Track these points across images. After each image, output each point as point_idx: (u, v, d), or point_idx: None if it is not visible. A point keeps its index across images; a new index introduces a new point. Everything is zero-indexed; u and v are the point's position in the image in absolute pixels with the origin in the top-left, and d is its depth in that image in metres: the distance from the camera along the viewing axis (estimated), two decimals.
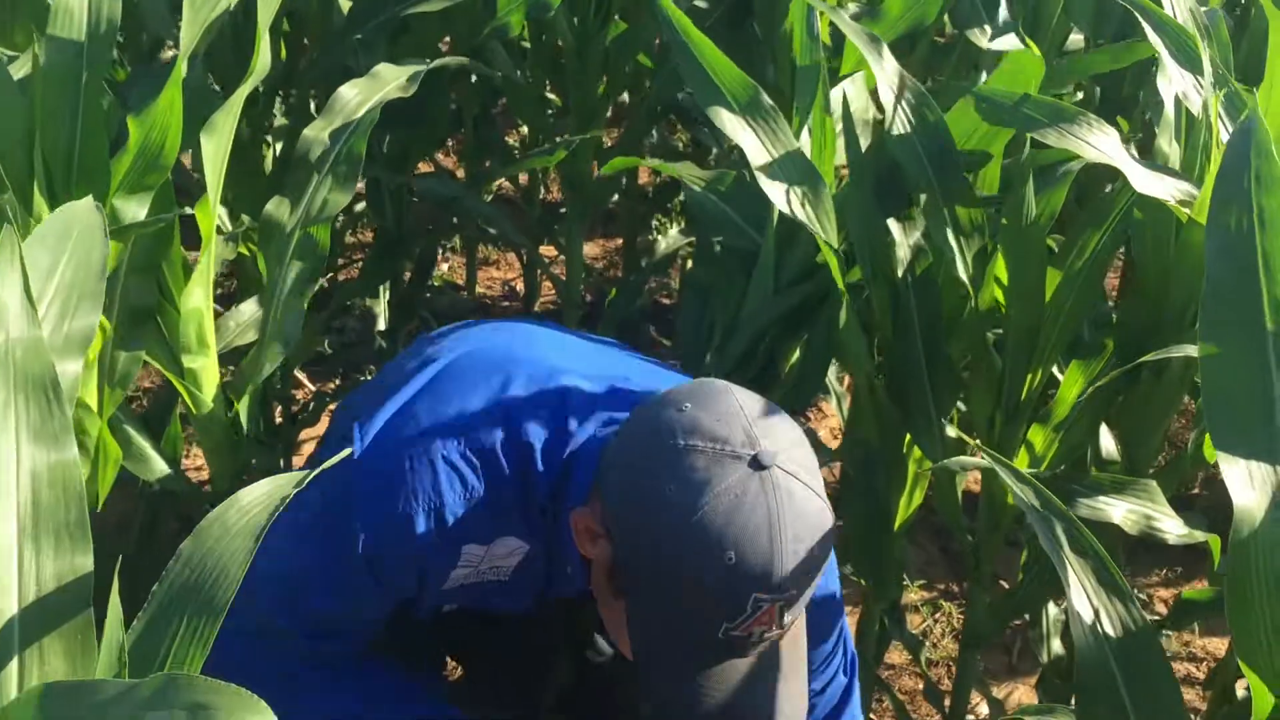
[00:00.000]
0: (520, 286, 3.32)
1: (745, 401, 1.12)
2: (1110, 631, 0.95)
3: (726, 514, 1.04)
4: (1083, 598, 0.96)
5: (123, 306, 1.40)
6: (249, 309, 1.65)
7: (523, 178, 3.18)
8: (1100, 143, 1.42)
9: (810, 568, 1.08)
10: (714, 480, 1.05)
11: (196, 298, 1.43)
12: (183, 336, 1.43)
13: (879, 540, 1.66)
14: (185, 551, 0.75)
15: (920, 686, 2.13)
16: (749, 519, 1.05)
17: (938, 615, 2.29)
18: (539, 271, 3.05)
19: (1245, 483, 0.85)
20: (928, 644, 2.20)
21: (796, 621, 1.13)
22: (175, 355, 1.45)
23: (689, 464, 1.07)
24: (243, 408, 1.52)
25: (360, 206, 2.51)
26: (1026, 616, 1.92)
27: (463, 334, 1.41)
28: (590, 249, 3.59)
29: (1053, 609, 1.86)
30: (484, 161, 2.62)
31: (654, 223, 3.30)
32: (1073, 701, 1.38)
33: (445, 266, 3.44)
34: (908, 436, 1.65)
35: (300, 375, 2.53)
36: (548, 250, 3.22)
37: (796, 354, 1.75)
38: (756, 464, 1.06)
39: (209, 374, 1.48)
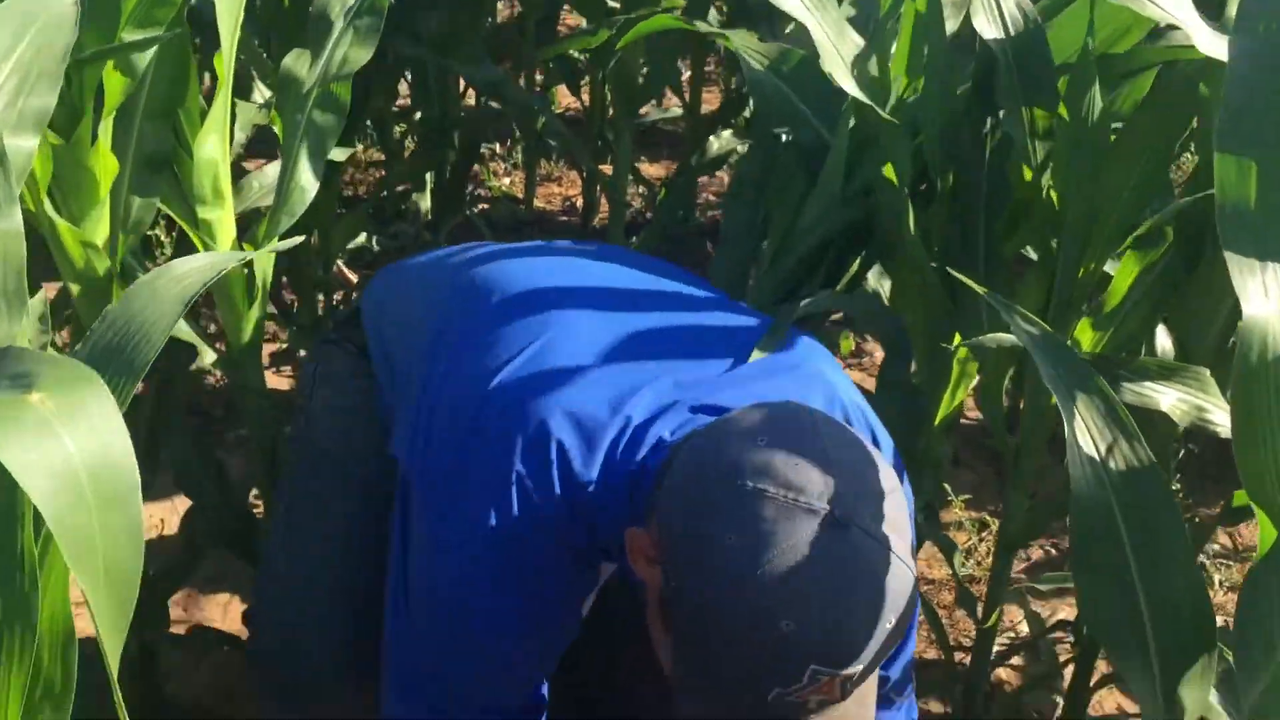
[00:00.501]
0: (579, 202, 3.27)
1: (832, 439, 0.97)
2: (1113, 467, 0.86)
3: (789, 577, 0.90)
4: (1085, 434, 0.87)
5: (138, 151, 1.38)
6: (272, 171, 1.62)
7: (585, 96, 3.12)
8: (1166, 2, 1.32)
9: (884, 643, 0.93)
10: (780, 535, 0.91)
11: (211, 147, 1.40)
12: (198, 186, 1.41)
13: (917, 435, 1.58)
14: (111, 314, 0.72)
15: (955, 599, 2.05)
16: (815, 586, 0.90)
17: (983, 534, 2.21)
18: (598, 187, 3.00)
19: (1260, 294, 0.75)
20: (971, 561, 2.12)
21: (865, 684, 0.97)
22: (190, 205, 1.43)
23: (755, 511, 0.92)
24: (259, 267, 1.49)
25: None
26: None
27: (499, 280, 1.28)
28: (655, 170, 3.53)
29: None
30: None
31: None
32: None
33: (507, 181, 3.41)
34: (956, 336, 1.57)
35: (345, 269, 2.52)
36: (610, 170, 3.17)
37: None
38: (833, 521, 0.91)
39: (224, 227, 1.45)
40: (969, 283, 1.26)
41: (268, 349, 2.23)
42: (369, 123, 3.03)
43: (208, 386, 2.53)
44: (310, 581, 1.38)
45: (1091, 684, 1.77)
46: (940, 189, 1.51)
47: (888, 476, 0.98)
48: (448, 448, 1.14)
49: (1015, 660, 1.96)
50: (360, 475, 1.40)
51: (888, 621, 0.92)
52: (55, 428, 0.54)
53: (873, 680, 0.99)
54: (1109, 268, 1.56)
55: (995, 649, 1.79)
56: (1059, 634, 1.95)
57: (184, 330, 1.48)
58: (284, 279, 2.30)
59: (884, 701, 1.33)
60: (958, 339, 1.55)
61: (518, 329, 1.19)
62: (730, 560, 0.91)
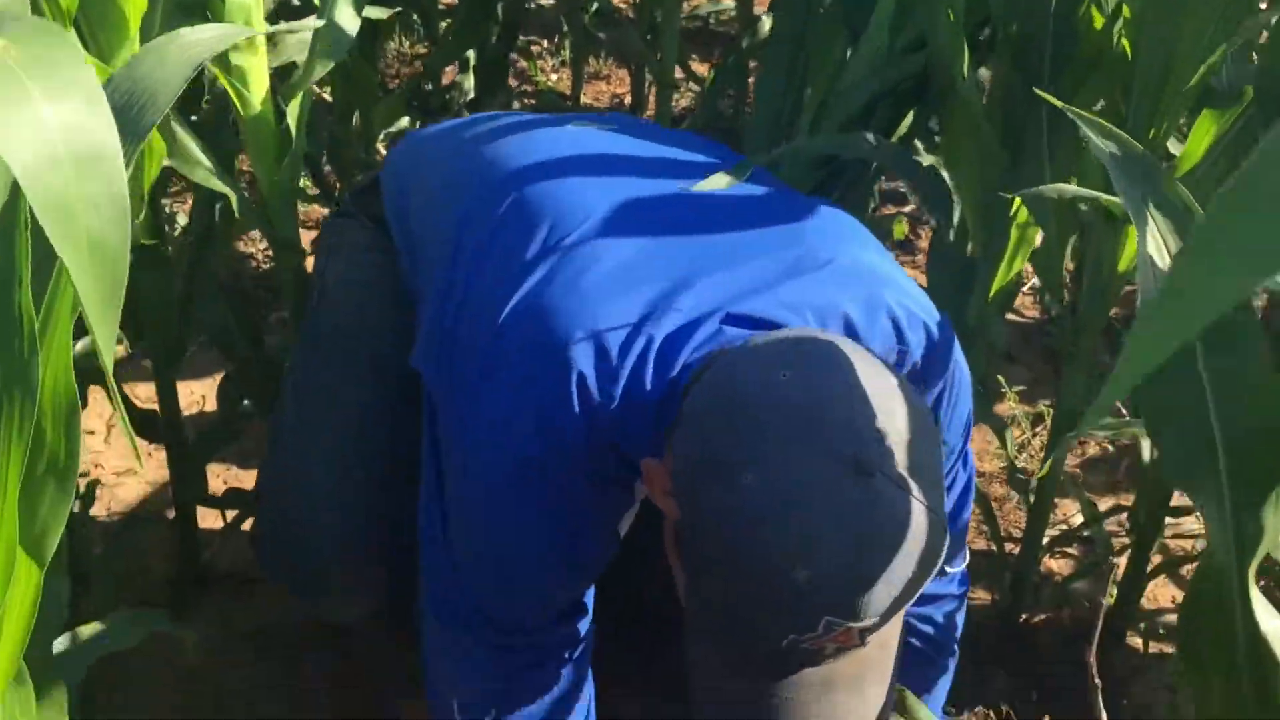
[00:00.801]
0: (627, 100, 3.20)
1: (860, 377, 0.90)
2: None
3: (806, 524, 0.85)
4: (1158, 246, 0.81)
5: None
6: (310, 24, 1.56)
7: None
8: None
9: (905, 594, 0.88)
10: (798, 480, 0.85)
11: None
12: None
13: (969, 307, 1.51)
14: (117, 78, 0.67)
15: (1009, 493, 2.00)
16: (833, 535, 0.84)
17: (1038, 429, 2.14)
18: (646, 84, 2.93)
19: None
20: (1024, 455, 2.06)
21: (888, 629, 0.92)
22: (224, 50, 1.38)
23: (773, 454, 0.86)
24: (293, 116, 1.45)
25: None
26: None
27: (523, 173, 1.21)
28: (705, 69, 3.45)
29: None
30: None
31: None
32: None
33: (554, 78, 3.34)
34: (1016, 201, 1.49)
35: (382, 148, 2.47)
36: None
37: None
38: (856, 467, 0.85)
39: (257, 75, 1.40)
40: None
41: (307, 236, 2.19)
42: (415, 16, 2.98)
43: (252, 270, 2.51)
44: (318, 473, 1.33)
45: (1147, 572, 1.71)
46: (1001, 39, 1.42)
47: (920, 418, 0.91)
48: (468, 377, 1.10)
49: (1066, 551, 1.90)
50: (374, 355, 1.35)
51: (909, 574, 0.87)
52: (23, 79, 0.49)
53: (896, 623, 0.95)
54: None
55: (1046, 539, 1.74)
56: (1112, 527, 1.89)
57: (214, 181, 1.44)
58: (325, 163, 2.27)
59: (937, 571, 1.29)
60: (1018, 202, 1.48)
61: (537, 231, 1.12)
62: (745, 503, 0.86)
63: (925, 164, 1.58)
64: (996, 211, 1.47)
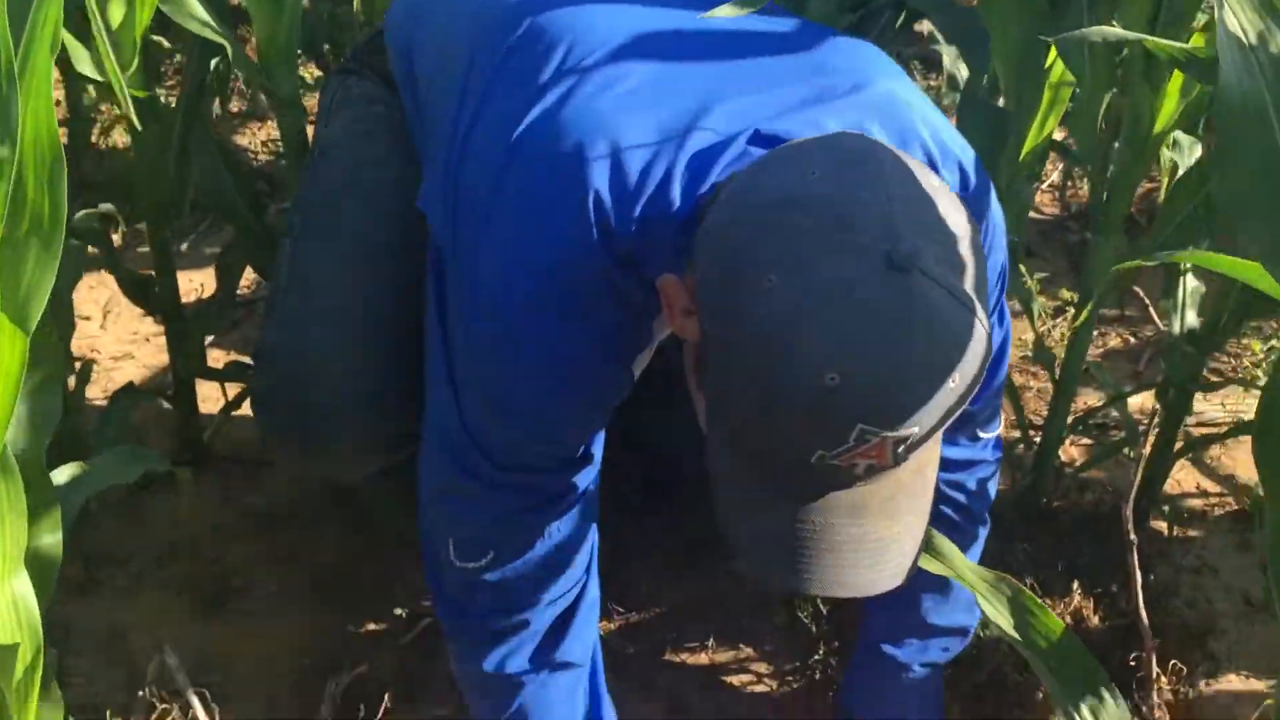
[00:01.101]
0: None
1: (895, 171, 0.84)
2: (1264, 56, 0.73)
3: (836, 323, 0.78)
4: (1234, 19, 0.74)
5: None
6: None
7: None
8: None
9: (944, 405, 0.81)
10: (828, 277, 0.79)
11: None
12: None
13: (996, 162, 1.45)
14: None
15: (1028, 382, 1.95)
16: (865, 334, 0.78)
17: (1058, 320, 2.09)
18: None
19: None
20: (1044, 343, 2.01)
21: (926, 451, 0.86)
22: None
23: (801, 250, 0.80)
24: None
25: None
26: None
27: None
28: None
29: (1190, 280, 1.65)
30: None
31: None
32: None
33: None
34: (1051, 56, 1.42)
35: None
36: None
37: None
38: (891, 263, 0.78)
39: None
40: None
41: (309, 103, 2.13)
42: None
43: (249, 162, 2.45)
44: (320, 312, 1.27)
45: (1173, 451, 1.67)
46: None
47: (963, 221, 0.84)
48: (478, 205, 1.03)
49: (1087, 441, 1.86)
50: (377, 206, 1.30)
51: (950, 381, 0.80)
52: None
53: (934, 450, 0.89)
54: None
55: (1070, 421, 1.69)
56: (1137, 415, 1.84)
57: (209, 31, 1.38)
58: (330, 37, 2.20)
59: (970, 436, 1.25)
60: (1052, 56, 1.41)
61: (553, 54, 1.05)
62: (771, 303, 0.80)
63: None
64: (1030, 64, 1.41)
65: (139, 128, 1.37)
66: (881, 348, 0.78)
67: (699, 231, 0.89)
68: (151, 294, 1.58)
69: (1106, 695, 0.86)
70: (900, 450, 0.82)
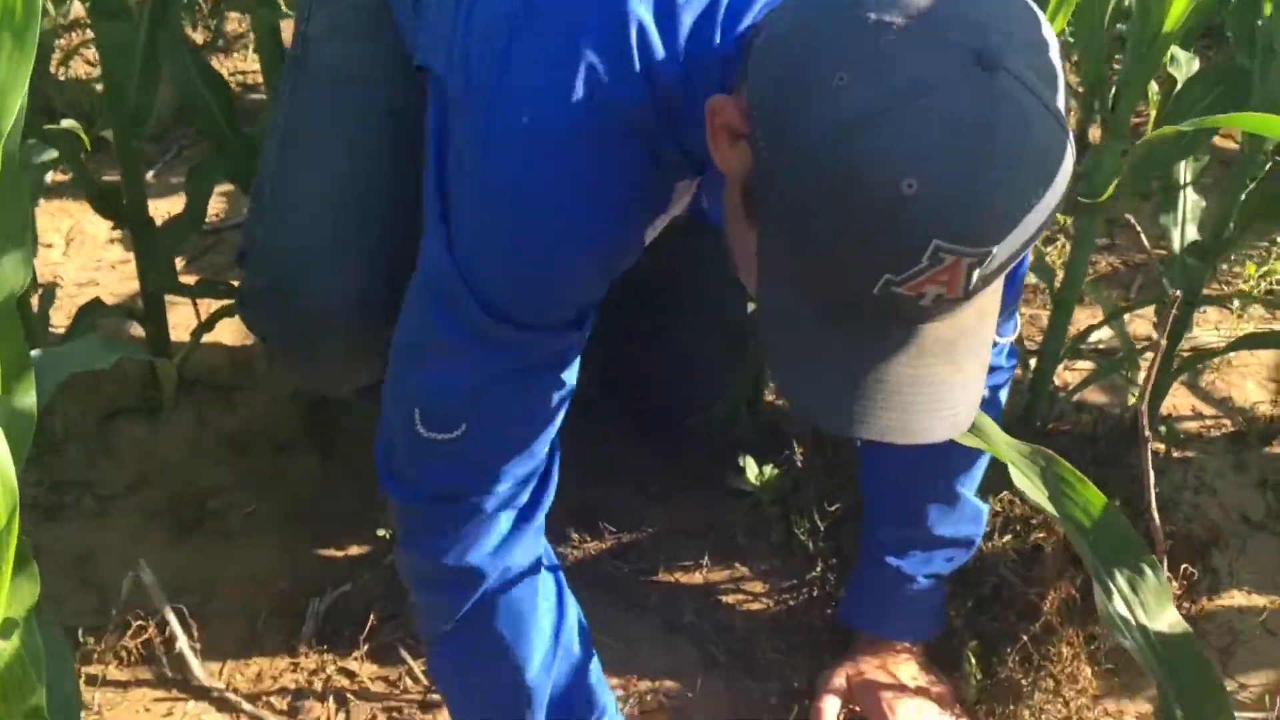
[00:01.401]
0: None
1: None
2: None
3: (918, 124, 0.72)
4: None
5: None
6: None
7: None
8: None
9: (1027, 224, 0.75)
10: (906, 74, 0.73)
11: None
12: None
13: None
14: None
15: (1021, 310, 1.92)
16: (951, 137, 0.72)
17: (1057, 234, 2.05)
18: None
19: None
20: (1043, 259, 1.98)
21: (989, 293, 0.81)
22: None
23: (878, 47, 0.74)
24: None
25: None
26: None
27: None
28: None
29: (1190, 195, 1.62)
30: None
31: None
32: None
33: None
34: None
35: None
36: None
37: None
38: (977, 60, 0.72)
39: None
40: None
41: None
42: None
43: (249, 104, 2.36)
44: (310, 206, 1.20)
45: (1172, 368, 1.65)
46: None
47: (1050, 31, 0.78)
48: (499, 37, 0.95)
49: (1083, 367, 1.83)
50: (368, 91, 1.22)
51: (1035, 196, 0.74)
52: None
53: (996, 291, 0.84)
54: None
55: (1067, 343, 1.66)
56: (1137, 339, 1.82)
57: None
58: None
59: None
60: None
61: None
62: (840, 103, 0.73)
63: None
64: None
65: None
66: (965, 151, 0.72)
67: (754, 47, 0.82)
68: (119, 205, 1.51)
69: (1146, 568, 0.82)
70: (974, 276, 0.76)
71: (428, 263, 1.03)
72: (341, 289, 1.17)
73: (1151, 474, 1.18)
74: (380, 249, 1.17)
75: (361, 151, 1.21)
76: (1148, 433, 1.18)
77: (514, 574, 1.09)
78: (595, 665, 1.17)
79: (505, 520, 1.08)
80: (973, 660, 1.32)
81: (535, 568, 1.11)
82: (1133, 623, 0.81)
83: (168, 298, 1.68)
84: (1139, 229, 2.08)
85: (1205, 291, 1.75)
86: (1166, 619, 0.82)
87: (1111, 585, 0.82)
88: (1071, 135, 0.76)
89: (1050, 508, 0.85)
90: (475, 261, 0.98)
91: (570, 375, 1.05)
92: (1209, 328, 1.92)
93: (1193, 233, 1.60)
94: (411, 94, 1.11)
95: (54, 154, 1.49)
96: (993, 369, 1.21)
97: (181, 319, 1.72)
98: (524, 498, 1.08)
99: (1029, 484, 0.87)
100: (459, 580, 1.08)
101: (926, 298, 0.77)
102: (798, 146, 0.76)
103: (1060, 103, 0.76)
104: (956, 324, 0.81)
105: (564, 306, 1.02)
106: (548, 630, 1.11)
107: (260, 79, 2.12)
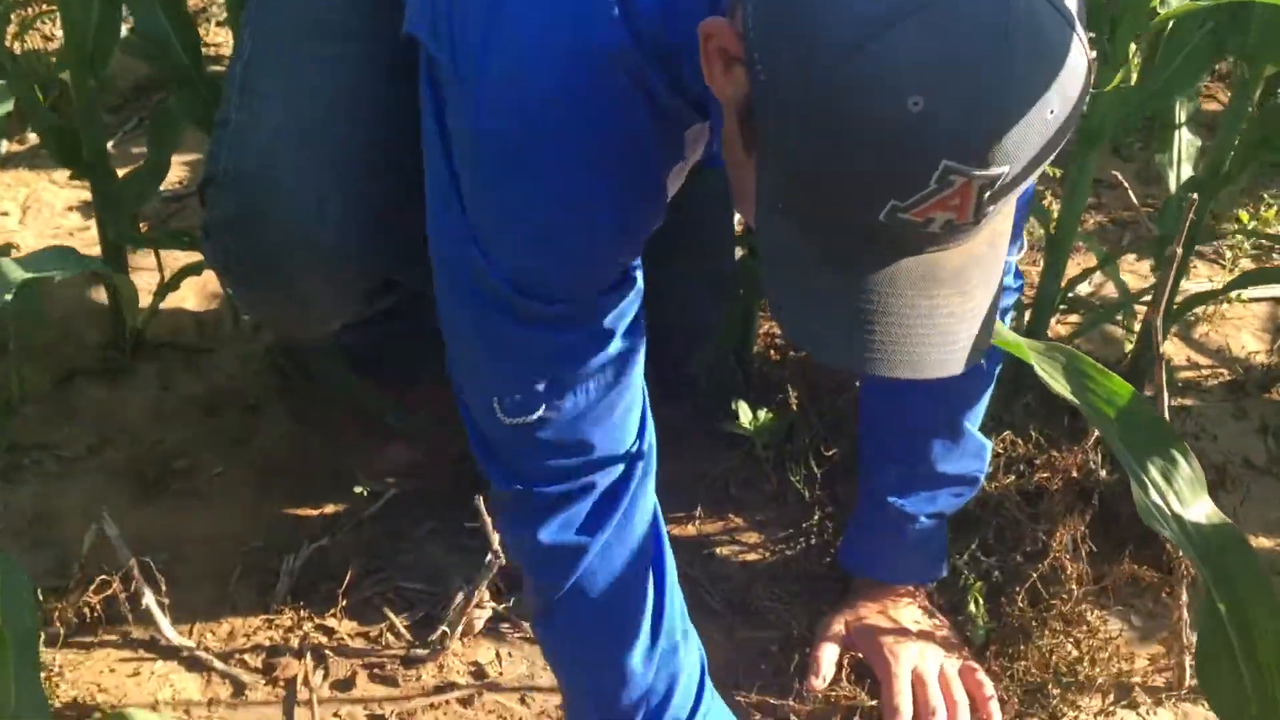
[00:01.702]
0: None
1: None
2: None
3: (925, 35, 0.67)
4: None
5: None
6: None
7: None
8: None
9: (1040, 138, 0.70)
10: None
11: None
12: None
13: None
14: None
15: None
16: (960, 48, 0.67)
17: (1050, 184, 2.01)
18: None
19: None
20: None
21: (1000, 217, 0.76)
22: None
23: None
24: None
25: None
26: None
27: None
28: None
29: (1185, 134, 1.59)
30: None
31: None
32: None
33: None
34: None
35: None
36: None
37: None
38: None
39: None
40: None
41: None
42: None
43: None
44: (282, 128, 1.11)
45: (1174, 309, 1.61)
46: None
47: None
48: (480, 6, 0.90)
49: (1076, 319, 1.79)
50: (344, 40, 1.15)
51: (1048, 111, 0.69)
52: None
53: (1008, 215, 0.79)
54: None
55: (1062, 291, 1.62)
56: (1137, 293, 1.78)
57: None
58: None
59: None
60: None
61: None
62: (843, 22, 0.68)
63: None
64: None
65: None
66: (974, 63, 0.67)
67: None
68: (78, 151, 1.44)
69: (1179, 456, 0.78)
70: (985, 198, 0.71)
71: (449, 257, 0.99)
72: (317, 220, 1.10)
73: (1165, 395, 1.14)
74: (363, 180, 1.10)
75: (340, 69, 1.14)
76: (1162, 350, 1.14)
77: (614, 550, 1.05)
78: (697, 660, 1.11)
79: (599, 494, 1.04)
80: (980, 601, 1.27)
81: (638, 546, 1.06)
82: (1168, 512, 0.76)
83: (131, 263, 1.61)
84: (1126, 185, 2.05)
85: (1198, 248, 1.72)
86: (1203, 508, 0.77)
87: (1145, 478, 0.77)
88: (1083, 38, 0.71)
89: (1076, 400, 0.80)
90: (501, 247, 0.94)
91: (632, 334, 1.01)
92: (1200, 279, 1.89)
93: (1189, 172, 1.56)
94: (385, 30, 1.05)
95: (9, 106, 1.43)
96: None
97: (145, 284, 1.65)
98: (617, 470, 1.04)
99: (1053, 380, 0.82)
100: (557, 558, 1.05)
101: (935, 224, 0.72)
102: (796, 66, 0.71)
103: (1075, 9, 0.71)
104: (967, 251, 0.76)
105: (598, 271, 0.97)
106: (648, 612, 1.07)
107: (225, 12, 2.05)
